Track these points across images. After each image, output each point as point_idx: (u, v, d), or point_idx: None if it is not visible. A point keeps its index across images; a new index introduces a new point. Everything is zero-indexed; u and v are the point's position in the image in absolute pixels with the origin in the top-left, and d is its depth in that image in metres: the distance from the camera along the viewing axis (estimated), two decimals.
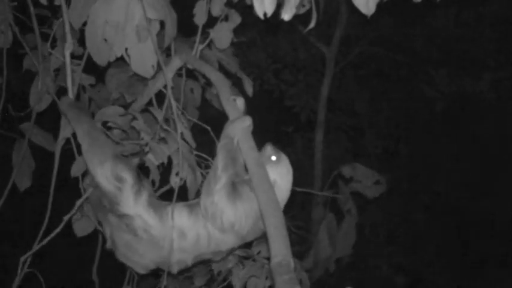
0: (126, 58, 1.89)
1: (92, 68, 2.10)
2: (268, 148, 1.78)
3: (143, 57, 1.89)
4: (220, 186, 1.71)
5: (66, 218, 1.97)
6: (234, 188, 1.74)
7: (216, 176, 1.72)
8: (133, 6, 1.83)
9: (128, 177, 1.76)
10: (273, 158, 1.76)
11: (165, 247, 1.75)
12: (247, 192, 1.73)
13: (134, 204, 1.75)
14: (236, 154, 1.75)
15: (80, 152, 1.93)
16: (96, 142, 1.80)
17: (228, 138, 1.74)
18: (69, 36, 1.90)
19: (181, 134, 1.89)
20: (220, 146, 1.75)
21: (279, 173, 1.76)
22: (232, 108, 1.80)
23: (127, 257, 1.83)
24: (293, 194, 1.86)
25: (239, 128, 1.72)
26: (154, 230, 1.75)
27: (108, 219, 1.80)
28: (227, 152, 1.74)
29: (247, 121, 1.73)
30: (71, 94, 1.95)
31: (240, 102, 1.83)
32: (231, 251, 1.87)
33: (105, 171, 1.75)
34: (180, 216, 1.76)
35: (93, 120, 1.88)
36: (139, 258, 1.81)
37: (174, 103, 1.94)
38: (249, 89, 2.34)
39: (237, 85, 2.30)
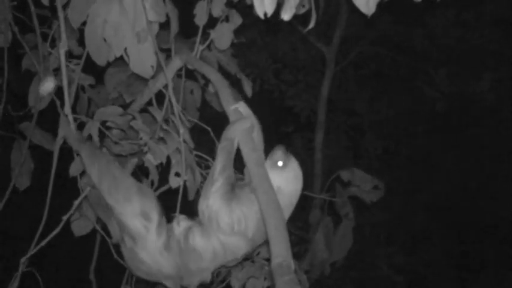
0: (126, 58, 1.89)
1: (91, 67, 2.09)
2: (278, 152, 1.73)
3: (142, 57, 1.89)
4: (215, 189, 1.70)
5: (64, 218, 1.96)
6: (231, 190, 1.72)
7: (213, 178, 1.72)
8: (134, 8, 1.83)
9: (155, 215, 1.74)
10: (280, 163, 1.71)
11: (182, 277, 1.76)
12: (247, 194, 1.72)
13: (153, 248, 1.73)
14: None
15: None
16: (117, 178, 1.75)
17: (228, 139, 1.73)
18: (63, 36, 1.89)
19: (181, 133, 1.89)
20: (220, 148, 1.74)
21: (284, 179, 1.71)
22: (234, 111, 1.79)
23: (141, 274, 1.82)
24: None
25: (239, 129, 1.71)
26: (168, 270, 1.75)
27: (124, 241, 1.79)
28: (226, 154, 1.72)
29: (248, 122, 1.72)
30: (66, 93, 1.92)
31: (243, 109, 1.78)
32: (244, 256, 1.85)
33: (134, 209, 1.72)
34: (193, 239, 1.73)
35: (108, 155, 1.84)
36: (155, 278, 1.81)
37: (175, 102, 1.94)
38: (248, 90, 2.34)
39: (236, 85, 2.30)
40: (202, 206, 1.72)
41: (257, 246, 1.80)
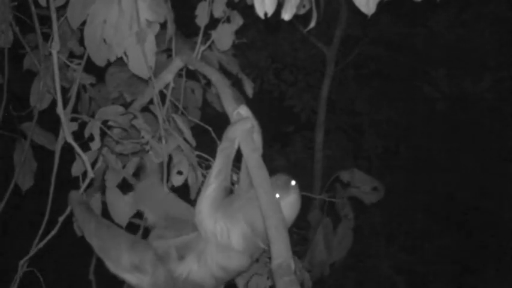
0: (125, 58, 1.89)
1: (92, 66, 2.10)
2: (278, 183, 1.69)
3: (141, 57, 1.89)
4: (207, 194, 1.70)
5: (61, 219, 1.97)
6: (223, 196, 1.71)
7: (208, 182, 1.71)
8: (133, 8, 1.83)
9: (148, 266, 1.75)
10: (277, 195, 1.66)
11: None
12: (235, 209, 1.70)
13: None
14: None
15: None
16: (106, 240, 1.80)
17: (228, 140, 1.72)
18: (56, 36, 1.87)
19: (182, 133, 1.89)
20: (220, 150, 1.73)
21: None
22: (235, 113, 1.78)
23: None
24: None
25: (240, 129, 1.71)
26: None
27: None
28: (225, 156, 1.72)
29: (249, 123, 1.71)
30: (59, 94, 1.90)
31: (244, 112, 1.77)
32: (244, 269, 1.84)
33: (125, 265, 1.76)
34: (191, 273, 1.74)
35: (98, 216, 1.89)
36: None
37: (157, 107, 1.93)
38: (249, 91, 2.34)
39: (237, 85, 2.30)
40: (196, 209, 1.72)
41: (256, 257, 1.79)
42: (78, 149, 1.88)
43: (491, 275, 6.61)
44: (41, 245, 1.99)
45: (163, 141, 1.94)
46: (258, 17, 1.36)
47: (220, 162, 1.72)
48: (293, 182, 1.72)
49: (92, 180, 1.96)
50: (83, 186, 1.97)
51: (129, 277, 1.78)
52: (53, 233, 1.98)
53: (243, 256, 1.72)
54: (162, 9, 1.85)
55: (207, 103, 2.53)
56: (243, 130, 1.70)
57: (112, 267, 1.79)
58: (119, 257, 1.76)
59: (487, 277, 6.61)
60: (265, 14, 1.34)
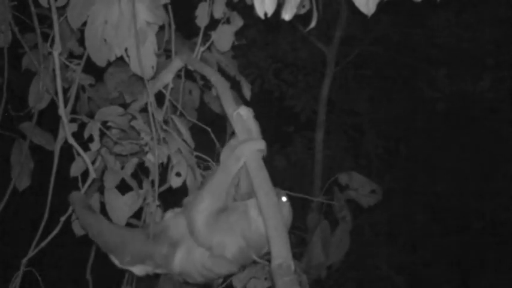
0: (126, 58, 1.89)
1: (91, 66, 2.09)
2: None
3: (142, 58, 1.88)
4: (200, 209, 1.68)
5: (62, 219, 1.98)
6: (219, 212, 1.69)
7: (201, 195, 1.70)
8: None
9: (149, 261, 1.80)
10: None
11: None
12: (232, 222, 1.68)
13: None
14: (235, 176, 1.71)
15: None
16: (110, 236, 1.84)
17: (235, 157, 1.65)
18: (57, 37, 1.87)
19: (181, 134, 1.89)
20: (223, 160, 1.70)
21: None
22: (236, 115, 1.76)
23: None
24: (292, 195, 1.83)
25: (250, 150, 1.64)
26: None
27: None
28: (224, 174, 1.68)
29: (260, 144, 1.66)
30: (60, 96, 1.89)
31: (244, 112, 1.74)
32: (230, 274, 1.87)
33: (129, 260, 1.81)
34: (182, 265, 1.76)
35: (100, 216, 1.92)
36: None
37: (153, 107, 1.94)
38: (247, 93, 2.34)
39: (236, 87, 2.29)
40: (187, 219, 1.72)
41: (242, 265, 1.80)
42: (80, 150, 1.88)
43: (491, 275, 6.61)
44: (43, 244, 2.00)
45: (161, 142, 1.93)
46: (258, 17, 1.35)
47: (218, 180, 1.69)
48: (284, 198, 1.70)
49: (92, 180, 1.96)
50: (85, 186, 1.97)
51: (134, 269, 1.83)
52: (54, 232, 1.99)
53: (233, 265, 1.73)
54: (160, 11, 1.84)
55: (204, 104, 2.52)
56: (253, 151, 1.63)
57: (117, 262, 1.83)
58: (123, 253, 1.81)
59: (487, 277, 6.61)
60: (265, 14, 1.34)
